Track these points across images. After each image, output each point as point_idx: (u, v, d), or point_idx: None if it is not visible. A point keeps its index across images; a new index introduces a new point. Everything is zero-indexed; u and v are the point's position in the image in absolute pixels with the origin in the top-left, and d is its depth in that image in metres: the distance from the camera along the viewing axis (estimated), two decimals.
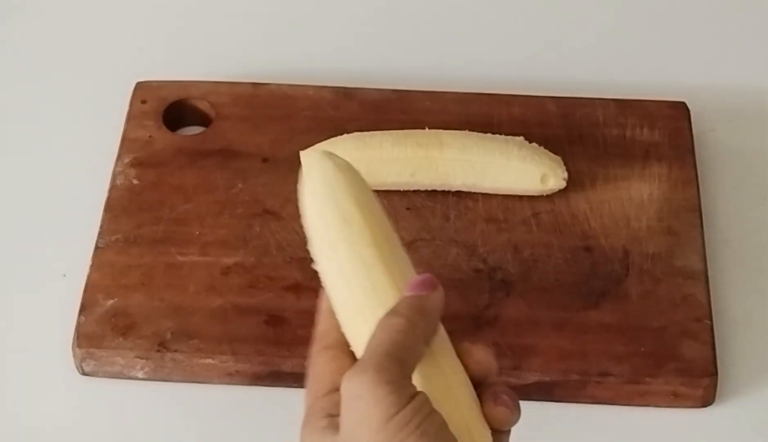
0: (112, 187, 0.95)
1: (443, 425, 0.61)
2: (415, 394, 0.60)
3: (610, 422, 0.86)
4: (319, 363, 0.65)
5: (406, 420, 0.59)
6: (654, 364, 0.85)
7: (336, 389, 0.62)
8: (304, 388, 0.65)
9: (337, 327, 0.65)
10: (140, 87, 1.01)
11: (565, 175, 0.93)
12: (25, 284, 0.93)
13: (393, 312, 0.63)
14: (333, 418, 0.62)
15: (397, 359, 0.61)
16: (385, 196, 0.92)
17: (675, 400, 0.86)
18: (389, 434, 0.59)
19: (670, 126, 0.99)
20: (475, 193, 0.94)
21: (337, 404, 0.62)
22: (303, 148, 0.93)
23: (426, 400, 0.60)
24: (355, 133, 0.94)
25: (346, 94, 1.01)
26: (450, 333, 0.65)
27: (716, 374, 0.85)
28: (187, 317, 0.88)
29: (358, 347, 0.64)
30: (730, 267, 0.93)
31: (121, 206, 0.94)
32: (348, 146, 0.93)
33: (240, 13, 1.12)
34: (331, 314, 0.66)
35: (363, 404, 0.60)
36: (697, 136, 0.99)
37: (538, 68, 1.07)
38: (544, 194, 0.93)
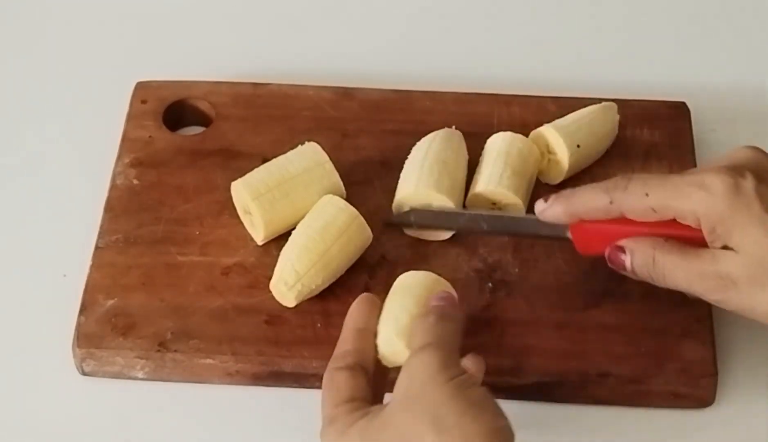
0: (112, 187, 0.95)
1: (484, 397, 0.72)
2: (464, 372, 0.74)
3: (610, 422, 0.86)
4: (338, 378, 0.77)
5: (460, 385, 0.72)
6: (654, 364, 0.85)
7: (352, 400, 0.75)
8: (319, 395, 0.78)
9: (360, 350, 0.79)
10: (140, 87, 1.01)
11: None
12: (25, 284, 0.93)
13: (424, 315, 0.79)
14: (364, 410, 0.75)
15: (440, 345, 0.75)
16: None
17: (675, 400, 0.86)
18: (450, 390, 0.72)
19: (670, 126, 0.99)
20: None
21: (355, 410, 0.75)
22: None
23: (471, 378, 0.74)
24: None
25: (346, 94, 1.01)
26: None
27: (716, 374, 0.85)
28: (187, 317, 0.88)
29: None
30: None
31: (121, 206, 0.94)
32: None
33: (240, 13, 1.12)
34: (358, 334, 0.79)
35: (430, 369, 0.73)
36: (697, 136, 0.99)
37: (538, 68, 1.07)
38: None
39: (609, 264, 0.84)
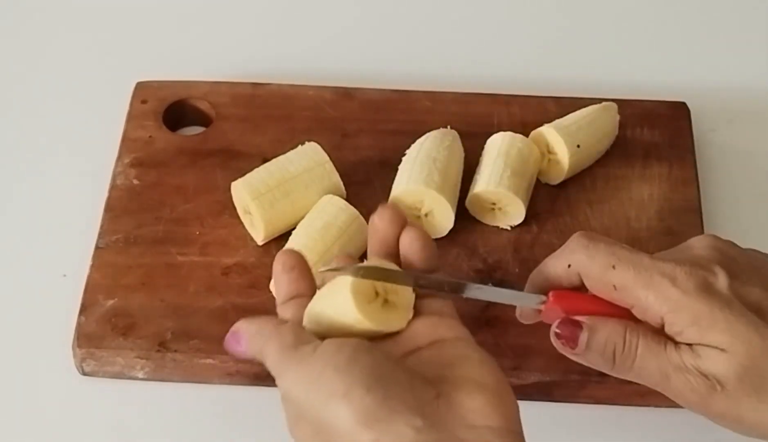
0: (113, 187, 0.95)
1: (356, 349, 0.67)
2: (315, 347, 0.67)
3: (610, 422, 0.86)
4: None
5: (317, 364, 0.66)
6: None
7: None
8: None
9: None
10: (140, 87, 1.01)
11: None
12: (25, 284, 0.93)
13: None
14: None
15: (277, 352, 0.69)
16: None
17: None
18: (301, 389, 0.66)
19: (670, 126, 0.99)
20: None
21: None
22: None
23: (328, 343, 0.67)
24: None
25: (346, 94, 1.01)
26: None
27: None
28: (187, 317, 0.88)
29: None
30: None
31: (121, 206, 0.94)
32: None
33: (240, 13, 1.12)
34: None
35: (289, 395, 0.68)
36: (697, 136, 0.99)
37: (538, 68, 1.07)
38: None
39: (554, 339, 0.75)
